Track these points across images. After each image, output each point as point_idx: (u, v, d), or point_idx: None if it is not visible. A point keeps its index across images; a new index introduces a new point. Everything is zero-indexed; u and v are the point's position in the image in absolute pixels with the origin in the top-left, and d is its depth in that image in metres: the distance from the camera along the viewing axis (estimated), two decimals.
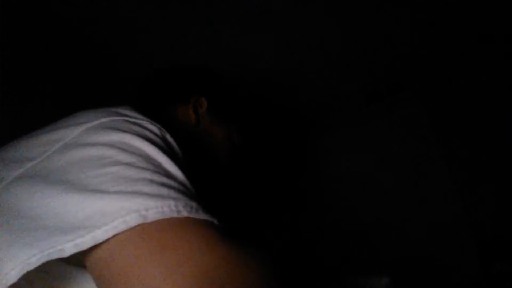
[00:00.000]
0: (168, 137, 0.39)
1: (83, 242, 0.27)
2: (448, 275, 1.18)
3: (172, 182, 0.32)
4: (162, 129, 0.39)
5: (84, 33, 1.08)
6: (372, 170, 1.43)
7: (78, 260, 0.31)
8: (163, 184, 0.31)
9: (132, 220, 0.28)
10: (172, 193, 0.31)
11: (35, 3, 0.96)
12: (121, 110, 0.40)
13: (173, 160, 0.35)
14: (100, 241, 0.27)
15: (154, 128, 0.38)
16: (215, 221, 0.32)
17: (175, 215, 0.29)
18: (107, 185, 0.30)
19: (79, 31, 1.07)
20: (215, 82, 0.69)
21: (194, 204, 0.31)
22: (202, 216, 0.30)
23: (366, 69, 1.33)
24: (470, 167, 1.22)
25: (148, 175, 0.31)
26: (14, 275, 0.27)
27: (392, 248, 1.30)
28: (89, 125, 0.36)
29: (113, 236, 0.28)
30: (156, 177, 0.32)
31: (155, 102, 0.65)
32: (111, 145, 0.34)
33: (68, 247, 0.27)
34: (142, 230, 0.28)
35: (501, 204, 1.15)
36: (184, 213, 0.29)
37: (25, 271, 0.27)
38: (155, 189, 0.30)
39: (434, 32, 1.19)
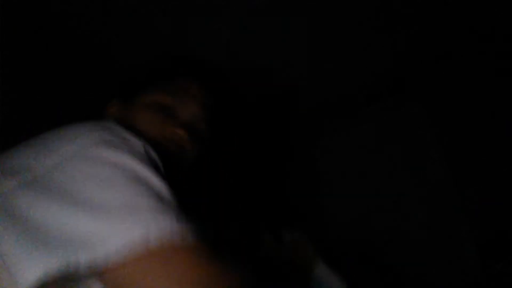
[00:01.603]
0: (151, 151, 0.43)
1: (96, 259, 0.32)
2: (448, 275, 1.18)
3: (164, 206, 0.38)
4: (145, 144, 0.43)
5: (81, 28, 1.08)
6: (371, 170, 1.43)
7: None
8: (157, 209, 0.37)
9: (137, 241, 0.34)
10: (165, 216, 0.37)
11: (35, 2, 0.96)
12: (108, 125, 0.43)
13: (159, 175, 0.40)
14: (111, 260, 0.33)
15: (139, 145, 0.42)
16: (200, 232, 0.38)
17: (171, 238, 0.35)
18: (112, 206, 0.35)
19: (76, 26, 1.07)
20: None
21: (182, 226, 0.37)
22: (190, 237, 0.37)
23: (366, 69, 1.33)
24: (470, 167, 1.22)
25: (145, 199, 0.37)
26: (33, 280, 0.30)
27: (391, 247, 1.30)
28: (86, 140, 0.40)
29: (121, 256, 0.33)
30: (152, 202, 0.37)
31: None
32: (111, 164, 0.38)
33: (83, 262, 0.32)
34: (146, 251, 0.34)
35: (501, 204, 1.14)
36: (178, 238, 0.36)
37: (44, 277, 0.31)
38: (151, 214, 0.36)
39: (434, 32, 1.19)
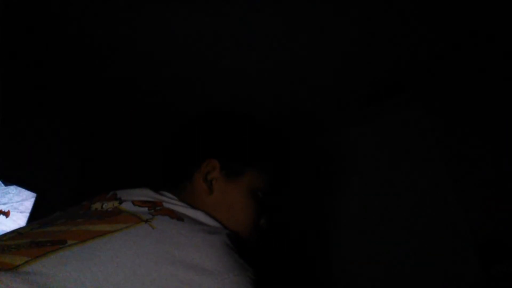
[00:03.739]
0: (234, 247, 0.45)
1: None
2: (448, 276, 1.18)
3: None
4: (231, 240, 0.45)
5: (82, 32, 1.09)
6: (371, 170, 1.43)
7: None
8: None
9: None
10: None
11: (36, 3, 0.97)
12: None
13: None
14: None
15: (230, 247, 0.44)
16: None
17: None
18: None
19: (77, 30, 1.07)
20: (224, 135, 0.65)
21: None
22: None
23: (366, 70, 1.33)
24: (470, 167, 1.22)
25: None
26: None
27: (391, 248, 1.30)
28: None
29: None
30: None
31: (177, 179, 0.63)
32: None
33: None
34: None
35: (501, 205, 1.14)
36: None
37: None
38: None
39: (434, 33, 1.19)
